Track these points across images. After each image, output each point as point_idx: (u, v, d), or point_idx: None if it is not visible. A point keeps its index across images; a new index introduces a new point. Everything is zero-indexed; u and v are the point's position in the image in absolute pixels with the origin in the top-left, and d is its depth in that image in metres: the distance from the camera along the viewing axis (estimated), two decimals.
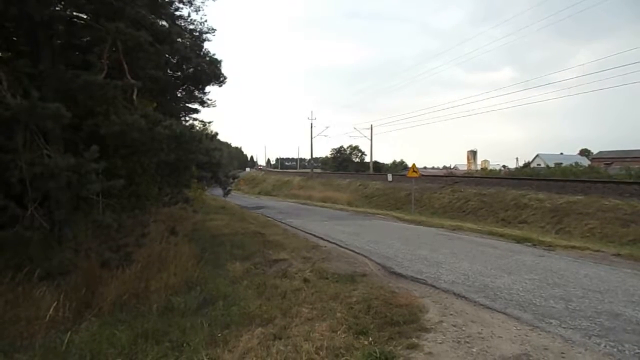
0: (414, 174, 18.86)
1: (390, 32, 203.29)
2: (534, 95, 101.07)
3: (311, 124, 51.70)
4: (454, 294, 5.17)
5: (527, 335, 3.78)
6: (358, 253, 7.94)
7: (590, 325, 4.04)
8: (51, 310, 4.28)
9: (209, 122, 19.79)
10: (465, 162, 63.31)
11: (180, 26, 10.62)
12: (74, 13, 6.57)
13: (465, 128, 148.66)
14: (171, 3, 9.98)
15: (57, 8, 6.38)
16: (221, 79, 12.43)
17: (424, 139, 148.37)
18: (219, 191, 10.92)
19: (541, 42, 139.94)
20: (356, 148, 60.81)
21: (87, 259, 5.49)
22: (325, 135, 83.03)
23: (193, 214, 10.69)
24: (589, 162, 48.08)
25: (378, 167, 53.22)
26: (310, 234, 10.76)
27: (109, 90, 5.78)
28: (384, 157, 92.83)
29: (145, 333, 4.06)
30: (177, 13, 10.81)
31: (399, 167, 54.75)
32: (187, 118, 17.08)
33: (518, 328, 3.97)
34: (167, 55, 8.73)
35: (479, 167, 53.38)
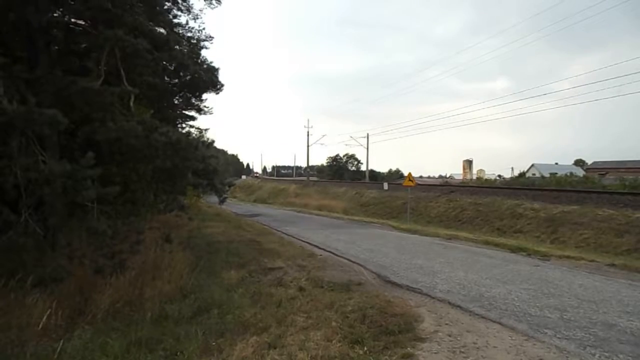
0: (410, 183, 18.87)
1: (388, 41, 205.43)
2: (529, 105, 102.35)
3: (307, 132, 51.95)
4: (450, 303, 5.18)
5: (522, 346, 3.78)
6: (354, 262, 7.93)
7: (585, 335, 4.06)
8: (44, 318, 4.22)
9: (206, 129, 19.85)
10: (461, 171, 63.72)
11: (178, 34, 10.67)
12: (73, 19, 6.59)
13: (461, 137, 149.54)
14: (169, 10, 10.04)
15: (55, 14, 6.40)
16: (218, 86, 12.49)
17: (420, 148, 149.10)
18: (214, 198, 10.89)
19: (537, 52, 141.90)
20: (352, 156, 60.98)
21: (81, 265, 5.44)
22: (321, 144, 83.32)
23: (188, 221, 10.63)
24: (584, 172, 48.42)
25: (374, 175, 53.29)
26: (306, 242, 10.74)
27: (106, 96, 5.78)
28: (380, 165, 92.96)
29: (139, 341, 4.02)
30: (175, 21, 10.88)
31: (394, 176, 54.89)
32: (184, 125, 17.14)
33: (513, 338, 3.98)
34: (164, 63, 8.76)
35: (474, 177, 53.66)
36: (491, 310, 4.86)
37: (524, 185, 25.65)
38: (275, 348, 3.76)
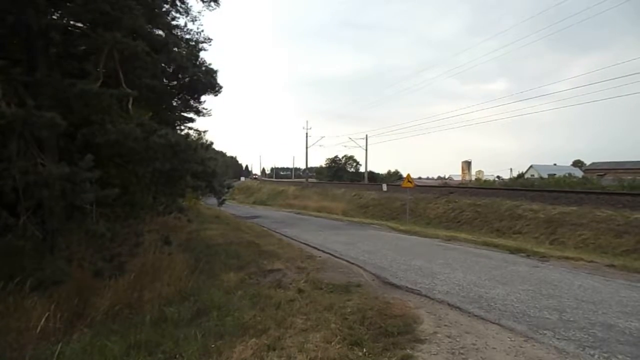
0: (409, 185, 18.89)
1: (387, 43, 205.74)
2: (528, 106, 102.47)
3: (306, 133, 51.87)
4: (449, 304, 5.18)
5: (521, 347, 3.79)
6: (353, 263, 7.92)
7: (584, 336, 4.06)
8: (42, 321, 4.21)
9: (204, 131, 19.94)
10: (459, 172, 63.67)
11: (176, 36, 10.70)
12: (71, 22, 6.59)
13: (460, 138, 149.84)
14: (168, 13, 10.06)
15: (54, 17, 6.40)
16: (217, 88, 12.55)
17: (419, 149, 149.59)
18: (213, 200, 10.89)
19: (535, 54, 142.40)
20: (351, 158, 60.88)
21: (79, 268, 5.43)
22: (320, 145, 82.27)
23: (187, 224, 10.62)
24: (582, 173, 48.44)
25: (373, 177, 53.26)
26: (305, 243, 10.73)
27: (104, 99, 5.78)
28: (379, 167, 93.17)
29: (138, 344, 4.01)
30: (174, 23, 10.91)
31: (393, 177, 54.83)
32: (183, 127, 17.20)
33: (512, 339, 3.98)
34: (163, 65, 8.79)
35: (473, 178, 53.63)
36: (490, 312, 4.86)
37: (522, 186, 25.68)
38: (274, 350, 3.76)
